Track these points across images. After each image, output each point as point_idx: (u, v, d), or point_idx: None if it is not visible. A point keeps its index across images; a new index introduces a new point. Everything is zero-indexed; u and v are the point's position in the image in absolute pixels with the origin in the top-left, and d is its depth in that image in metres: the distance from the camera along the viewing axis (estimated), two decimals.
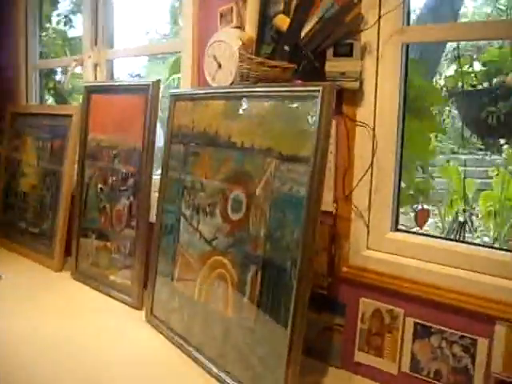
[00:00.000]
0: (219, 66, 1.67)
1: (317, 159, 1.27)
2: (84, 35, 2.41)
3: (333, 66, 1.47)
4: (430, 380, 1.42)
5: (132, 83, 2.12)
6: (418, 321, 1.44)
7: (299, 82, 1.46)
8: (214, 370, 1.50)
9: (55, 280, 2.23)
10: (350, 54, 1.44)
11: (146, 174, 1.89)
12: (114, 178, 2.02)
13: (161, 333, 1.75)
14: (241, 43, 1.53)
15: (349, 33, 1.42)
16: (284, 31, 1.47)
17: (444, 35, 1.46)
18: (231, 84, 1.64)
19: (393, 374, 1.48)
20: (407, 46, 1.47)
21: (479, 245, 1.59)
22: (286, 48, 1.45)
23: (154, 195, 1.91)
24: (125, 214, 1.98)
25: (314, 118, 1.28)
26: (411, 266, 1.46)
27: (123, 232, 1.99)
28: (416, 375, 1.44)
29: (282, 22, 1.48)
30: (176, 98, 1.80)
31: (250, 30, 1.53)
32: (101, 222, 2.10)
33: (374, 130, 1.47)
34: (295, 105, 1.35)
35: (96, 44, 2.36)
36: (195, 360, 1.59)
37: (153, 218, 1.91)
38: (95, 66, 2.34)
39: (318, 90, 1.28)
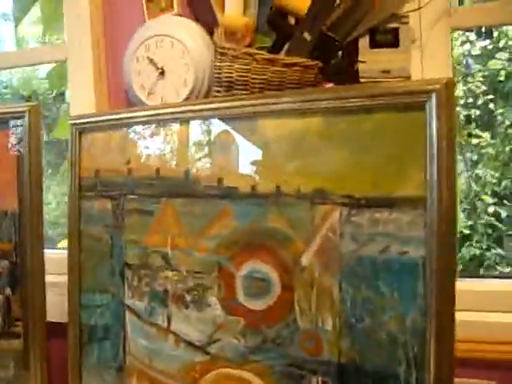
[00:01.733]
0: (161, 73, 0.97)
1: (442, 197, 0.69)
2: None
3: (370, 60, 0.88)
4: None
5: None
6: None
7: (330, 85, 0.85)
8: None
9: None
10: (395, 44, 0.88)
11: (33, 252, 1.08)
12: None
13: None
14: (210, 34, 0.87)
15: (393, 14, 0.85)
16: (301, 12, 0.85)
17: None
18: (187, 99, 0.96)
19: None
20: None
21: None
22: (307, 36, 0.83)
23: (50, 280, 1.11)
24: None
25: (428, 134, 0.70)
26: (492, 322, 0.96)
27: None
28: None
29: (296, 0, 0.85)
30: (83, 128, 1.04)
31: (234, 12, 0.87)
32: None
33: None
34: (378, 119, 0.75)
35: None
36: None
37: (54, 316, 1.11)
38: None
39: (429, 92, 0.70)
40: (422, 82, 0.78)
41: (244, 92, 0.90)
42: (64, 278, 1.18)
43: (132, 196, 1.00)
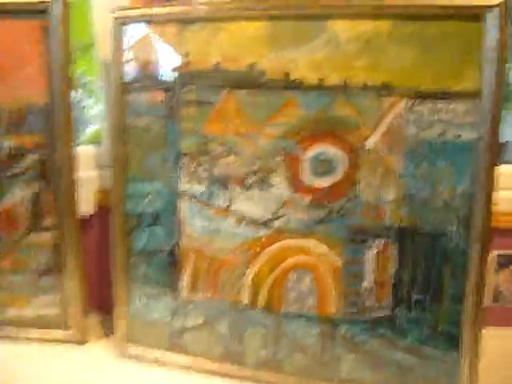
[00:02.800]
0: None
1: (494, 92, 0.97)
2: None
3: None
4: None
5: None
6: (500, 252, 1.32)
7: None
8: None
9: None
10: None
11: (65, 146, 1.18)
12: None
13: (165, 364, 1.18)
14: None
15: None
16: None
17: None
18: None
19: None
20: None
21: None
22: None
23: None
24: (26, 210, 1.22)
25: (487, 42, 0.98)
26: None
27: (27, 239, 1.24)
28: (499, 305, 1.36)
29: None
30: (128, 20, 1.14)
31: None
32: None
33: None
34: (442, 26, 1.01)
35: None
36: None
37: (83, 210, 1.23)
38: None
39: (491, 6, 0.95)
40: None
41: None
42: (90, 174, 1.27)
43: (189, 87, 1.12)
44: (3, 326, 1.27)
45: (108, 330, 1.28)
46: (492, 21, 0.94)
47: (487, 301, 1.30)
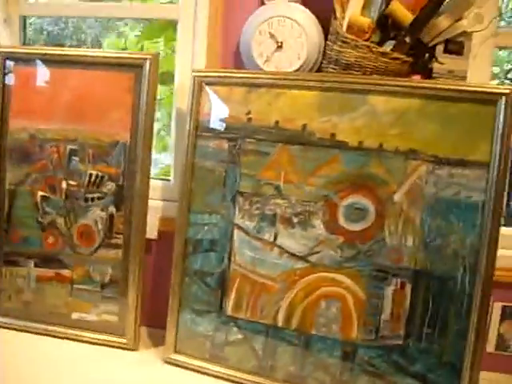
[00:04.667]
0: (279, 46, 1.53)
1: (501, 164, 1.34)
2: None
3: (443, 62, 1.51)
4: None
5: (111, 54, 1.67)
6: (505, 304, 1.64)
7: (417, 77, 1.48)
8: None
9: None
10: (460, 53, 1.52)
11: (142, 177, 1.57)
12: (74, 183, 1.62)
13: (205, 373, 1.54)
14: (345, 26, 1.44)
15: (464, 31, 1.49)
16: (404, 22, 1.45)
17: None
18: (297, 70, 1.53)
19: None
20: None
21: None
22: (408, 40, 1.44)
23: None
24: (100, 229, 1.61)
25: (496, 123, 1.34)
26: None
27: (96, 254, 1.62)
28: (501, 352, 1.67)
29: (402, 11, 1.46)
30: (205, 80, 1.56)
31: (357, 11, 1.45)
32: (45, 242, 1.65)
33: None
34: (461, 107, 1.37)
35: None
36: None
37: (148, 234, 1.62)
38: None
39: (501, 94, 1.34)
40: (497, 87, 1.39)
41: (357, 73, 1.47)
42: (158, 204, 1.67)
43: (250, 139, 1.51)
44: (69, 327, 1.64)
45: (157, 341, 1.65)
46: (502, 106, 1.32)
47: (490, 347, 1.63)
